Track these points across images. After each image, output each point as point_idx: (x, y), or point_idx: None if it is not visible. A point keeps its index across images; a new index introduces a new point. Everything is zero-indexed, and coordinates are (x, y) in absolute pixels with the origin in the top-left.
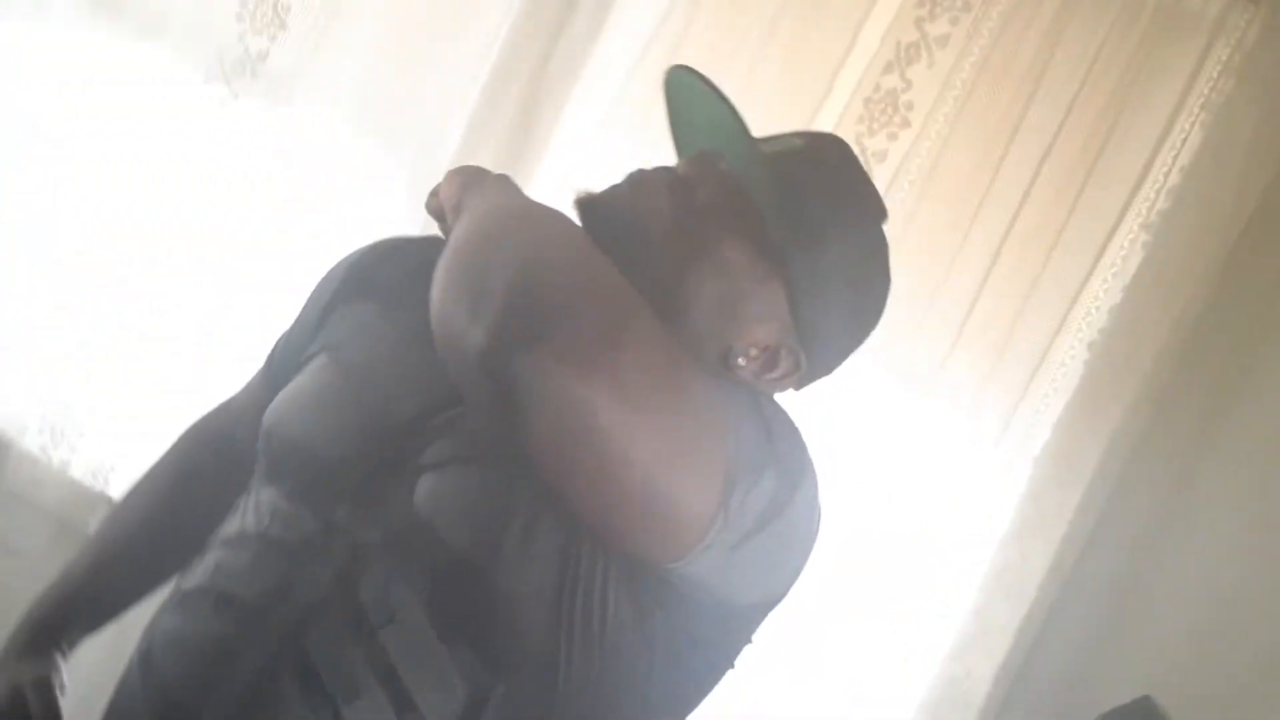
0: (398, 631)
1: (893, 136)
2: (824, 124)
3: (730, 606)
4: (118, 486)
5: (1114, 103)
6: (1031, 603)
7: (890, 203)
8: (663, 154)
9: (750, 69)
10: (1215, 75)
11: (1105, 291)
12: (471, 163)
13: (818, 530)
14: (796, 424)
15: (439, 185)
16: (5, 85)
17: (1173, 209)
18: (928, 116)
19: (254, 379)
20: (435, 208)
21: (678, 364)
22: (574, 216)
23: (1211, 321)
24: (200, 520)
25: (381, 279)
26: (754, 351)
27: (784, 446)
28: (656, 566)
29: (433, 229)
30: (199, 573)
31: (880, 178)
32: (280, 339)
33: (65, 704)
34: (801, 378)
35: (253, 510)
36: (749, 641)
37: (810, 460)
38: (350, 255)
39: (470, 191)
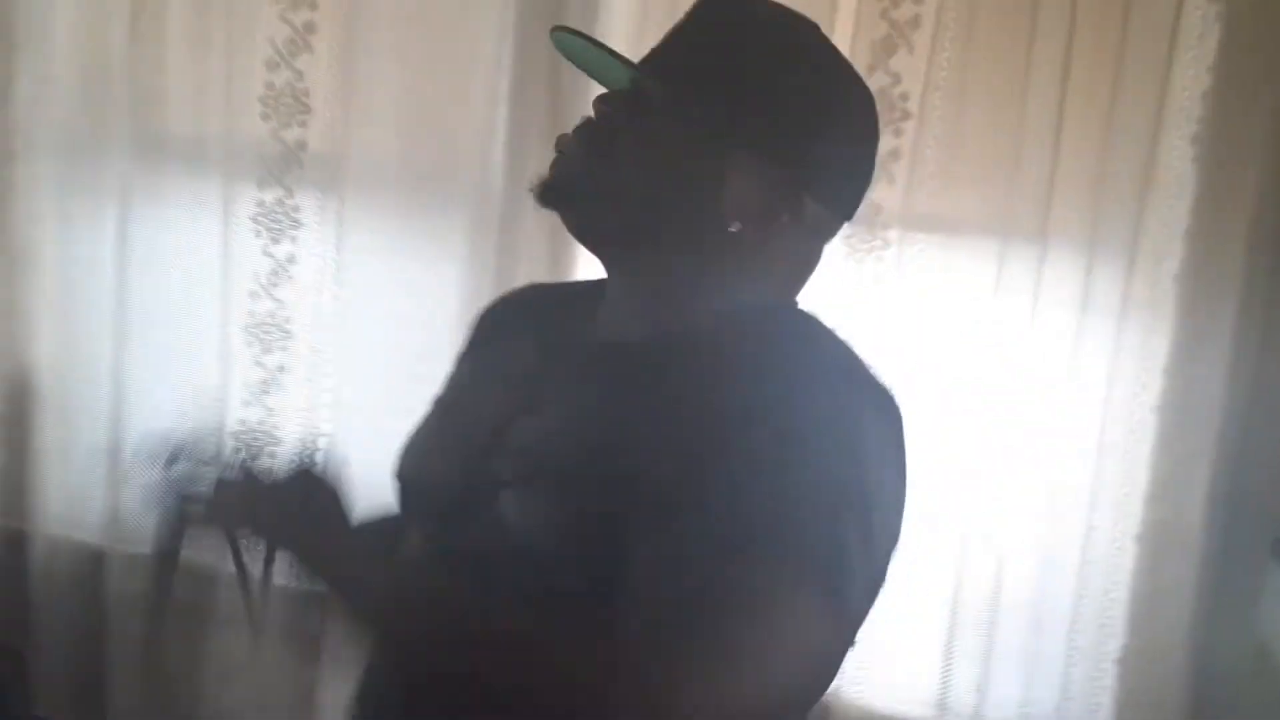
0: None
1: (898, 133)
2: None
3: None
4: None
5: None
6: (1218, 428)
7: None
8: None
9: None
10: None
11: (1192, 77)
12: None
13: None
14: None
15: None
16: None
17: None
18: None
19: None
20: None
21: None
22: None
23: None
24: None
25: (478, 326)
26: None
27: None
28: None
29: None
30: None
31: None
32: None
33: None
34: (825, 210)
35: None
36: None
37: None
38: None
39: None
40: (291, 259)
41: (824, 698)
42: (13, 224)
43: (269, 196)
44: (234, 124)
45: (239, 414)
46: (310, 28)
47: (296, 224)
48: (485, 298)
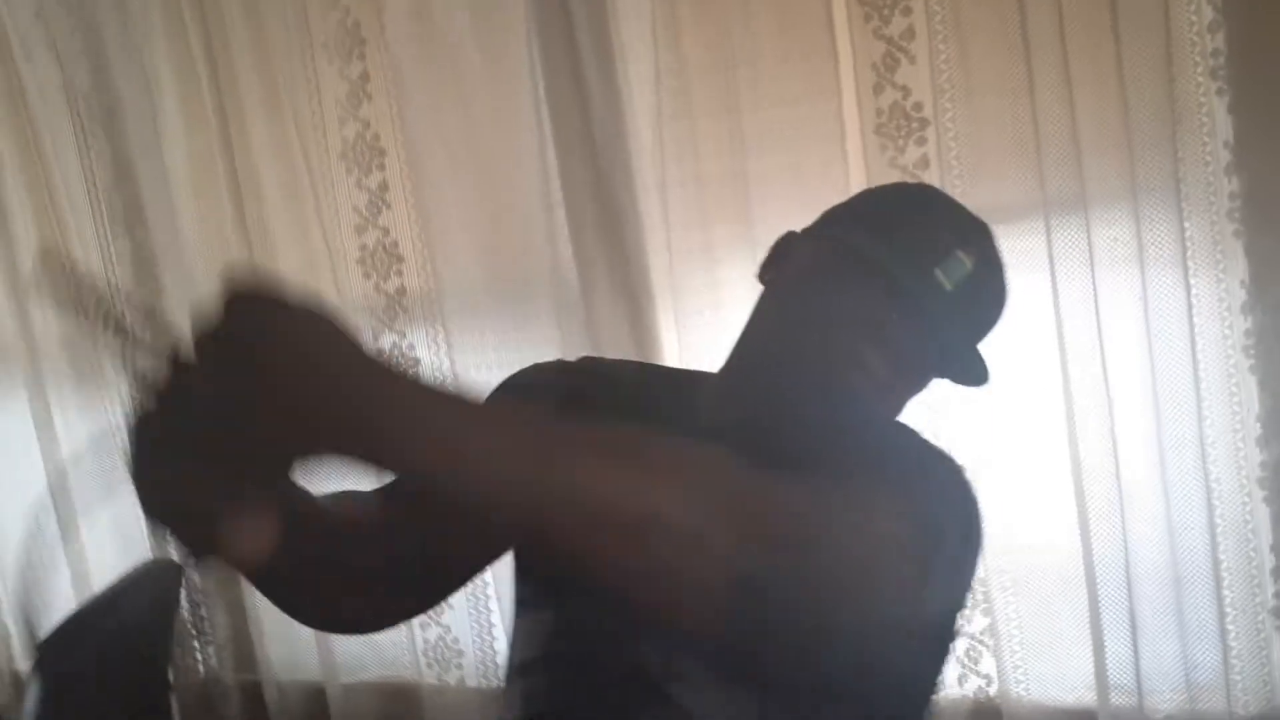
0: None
1: (921, 142)
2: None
3: None
4: None
5: None
6: None
7: None
8: None
9: None
10: None
11: (1194, 9)
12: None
13: None
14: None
15: None
16: None
17: None
18: None
19: None
20: None
21: None
22: None
23: None
24: None
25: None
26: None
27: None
28: None
29: None
30: None
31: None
32: None
33: None
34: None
35: None
36: None
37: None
38: None
39: None
40: None
41: (994, 700)
42: None
43: (386, 344)
44: (343, 287)
45: None
46: (384, 186)
47: (416, 361)
48: None
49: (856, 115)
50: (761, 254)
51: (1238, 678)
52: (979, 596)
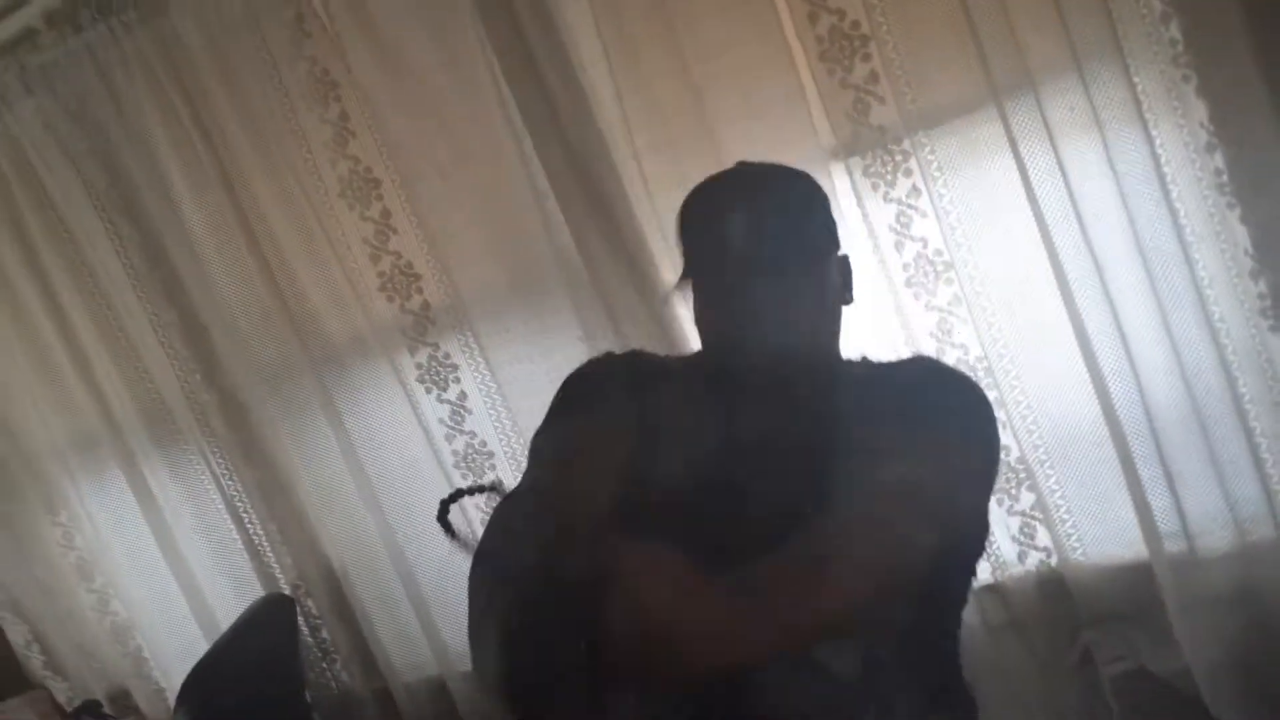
0: None
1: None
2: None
3: None
4: None
5: None
6: None
7: None
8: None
9: None
10: None
11: None
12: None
13: None
14: None
15: None
16: None
17: None
18: None
19: None
20: None
21: None
22: None
23: None
24: None
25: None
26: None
27: None
28: None
29: None
30: None
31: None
32: None
33: None
34: None
35: None
36: None
37: None
38: None
39: None
40: (462, 396)
41: (1056, 569)
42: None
43: (422, 358)
44: (370, 313)
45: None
46: (386, 214)
47: (454, 367)
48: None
49: (800, 47)
50: None
51: None
52: (1021, 474)
